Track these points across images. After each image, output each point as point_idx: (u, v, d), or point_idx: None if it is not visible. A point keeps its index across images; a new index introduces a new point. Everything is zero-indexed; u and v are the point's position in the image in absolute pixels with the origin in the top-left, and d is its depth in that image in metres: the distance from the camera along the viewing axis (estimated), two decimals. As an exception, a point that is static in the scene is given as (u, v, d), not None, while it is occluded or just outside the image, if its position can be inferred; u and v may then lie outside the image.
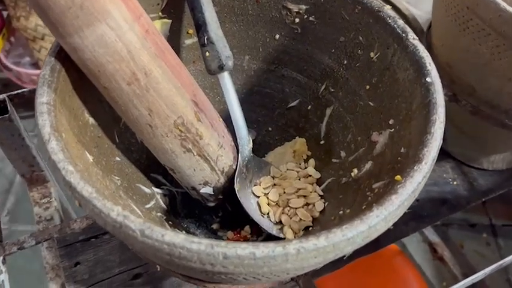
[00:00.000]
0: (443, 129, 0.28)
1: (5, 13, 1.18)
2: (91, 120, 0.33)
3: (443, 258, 1.02)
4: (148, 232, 0.22)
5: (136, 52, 0.28)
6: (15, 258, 0.46)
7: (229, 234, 0.41)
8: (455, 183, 0.53)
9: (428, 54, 0.32)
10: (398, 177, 0.27)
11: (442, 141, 0.28)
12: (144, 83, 0.29)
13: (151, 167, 0.39)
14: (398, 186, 0.25)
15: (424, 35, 0.52)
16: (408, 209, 0.50)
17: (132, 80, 0.29)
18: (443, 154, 0.56)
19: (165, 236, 0.22)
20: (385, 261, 0.68)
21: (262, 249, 0.22)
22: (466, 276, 0.96)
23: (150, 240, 0.22)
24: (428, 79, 0.30)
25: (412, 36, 0.33)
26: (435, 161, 0.27)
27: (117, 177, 0.34)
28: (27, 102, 0.47)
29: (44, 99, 0.27)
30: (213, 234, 0.41)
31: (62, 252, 0.44)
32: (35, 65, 1.18)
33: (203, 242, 0.22)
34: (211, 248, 0.22)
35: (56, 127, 0.27)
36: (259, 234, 0.40)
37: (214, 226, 0.42)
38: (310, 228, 0.37)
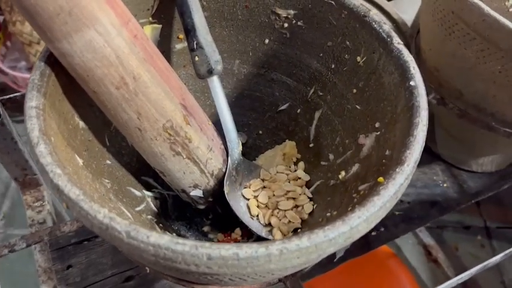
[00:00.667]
0: (425, 132, 0.29)
1: (0, 18, 1.19)
2: (81, 124, 0.34)
3: (438, 261, 1.02)
4: (133, 234, 0.23)
5: (124, 57, 0.29)
6: (10, 261, 0.47)
7: (220, 236, 0.41)
8: (445, 185, 0.54)
9: (412, 58, 0.32)
10: (380, 179, 0.27)
11: (424, 143, 0.28)
12: (132, 87, 0.30)
13: (142, 170, 0.39)
14: (380, 187, 0.26)
15: (414, 40, 0.52)
16: (399, 211, 0.51)
17: (120, 85, 0.29)
18: (434, 157, 0.56)
19: (150, 238, 0.23)
20: (377, 264, 0.68)
21: (246, 250, 0.22)
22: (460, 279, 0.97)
23: (135, 241, 0.23)
24: (412, 83, 0.31)
25: (397, 40, 0.33)
26: (417, 163, 0.28)
27: (107, 180, 0.35)
28: (20, 107, 0.47)
29: (33, 103, 0.28)
30: (204, 237, 0.42)
31: (54, 255, 0.45)
32: (31, 69, 1.18)
33: (187, 243, 0.23)
34: (196, 249, 0.22)
35: (45, 131, 0.27)
36: (250, 237, 0.40)
37: (205, 229, 0.42)
38: (299, 230, 0.37)
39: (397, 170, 0.27)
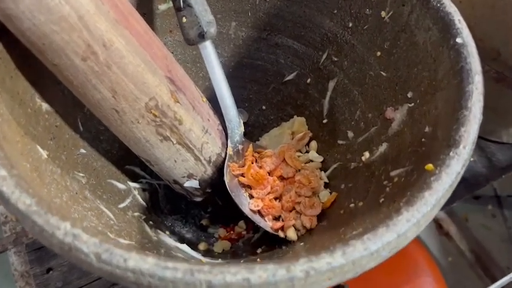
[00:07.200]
0: (482, 102, 0.22)
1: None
2: (45, 106, 0.27)
3: (449, 234, 0.98)
4: (106, 256, 0.17)
5: (90, 18, 0.22)
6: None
7: (221, 231, 0.36)
8: (472, 159, 0.48)
9: (456, 9, 0.26)
10: (429, 166, 0.21)
11: (482, 117, 0.22)
12: (103, 57, 0.23)
13: (126, 157, 0.33)
14: (431, 178, 0.20)
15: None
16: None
17: (87, 55, 0.23)
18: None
19: (128, 261, 0.17)
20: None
21: (259, 274, 0.17)
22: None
23: (109, 266, 0.17)
24: (458, 40, 0.25)
25: (434, -13, 0.26)
26: (475, 144, 0.21)
27: (81, 174, 0.29)
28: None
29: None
30: (203, 232, 0.36)
31: (32, 257, 0.39)
32: None
33: (180, 268, 0.17)
34: (191, 274, 0.17)
35: (-14, 118, 0.21)
36: (256, 231, 0.35)
37: (204, 222, 0.37)
38: (316, 224, 0.31)
39: (450, 154, 0.21)
